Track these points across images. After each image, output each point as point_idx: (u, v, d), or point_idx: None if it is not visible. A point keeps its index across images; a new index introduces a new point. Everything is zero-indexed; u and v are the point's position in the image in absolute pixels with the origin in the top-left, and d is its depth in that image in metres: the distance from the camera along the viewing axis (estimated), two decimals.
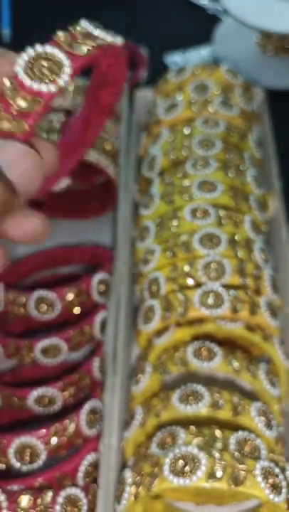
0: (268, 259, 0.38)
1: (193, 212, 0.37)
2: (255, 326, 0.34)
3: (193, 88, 0.44)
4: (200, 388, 0.31)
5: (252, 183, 0.40)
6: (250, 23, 0.57)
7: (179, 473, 0.27)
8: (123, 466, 0.32)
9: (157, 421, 0.31)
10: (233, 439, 0.29)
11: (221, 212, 0.37)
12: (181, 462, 0.28)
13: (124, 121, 0.46)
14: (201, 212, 0.37)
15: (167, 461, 0.28)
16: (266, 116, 0.47)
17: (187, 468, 0.27)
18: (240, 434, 0.29)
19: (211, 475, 0.27)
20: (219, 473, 0.27)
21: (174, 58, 0.64)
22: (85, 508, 0.31)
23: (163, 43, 0.67)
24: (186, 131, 0.42)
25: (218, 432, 0.29)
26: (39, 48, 0.21)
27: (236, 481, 0.27)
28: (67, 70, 0.20)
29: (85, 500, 0.31)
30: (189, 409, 0.30)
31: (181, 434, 0.30)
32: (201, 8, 0.72)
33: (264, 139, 0.46)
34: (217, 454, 0.28)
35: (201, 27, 0.69)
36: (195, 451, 0.28)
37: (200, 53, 0.65)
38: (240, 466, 0.27)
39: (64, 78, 0.20)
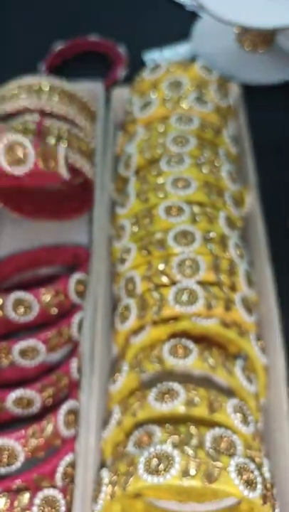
0: (243, 255, 0.38)
1: (168, 209, 0.37)
2: (231, 323, 0.34)
3: (167, 85, 0.44)
4: (176, 386, 0.31)
5: (227, 179, 0.40)
6: (227, 19, 0.56)
7: (154, 471, 0.27)
8: (102, 466, 0.32)
9: (134, 420, 0.31)
10: (209, 436, 0.29)
11: (196, 209, 0.37)
12: (155, 461, 0.27)
13: (101, 120, 0.45)
14: (175, 210, 0.37)
15: (142, 460, 0.28)
16: (242, 112, 0.47)
17: (161, 466, 0.27)
18: (217, 430, 0.29)
19: (185, 473, 0.27)
20: (193, 471, 0.27)
21: (152, 56, 0.64)
22: (62, 509, 0.31)
23: (142, 41, 0.67)
24: (161, 128, 0.41)
25: (193, 430, 0.29)
26: None
27: (210, 478, 0.27)
28: None
29: (62, 501, 0.31)
30: (165, 408, 0.30)
31: (157, 432, 0.29)
32: (180, 5, 0.71)
33: (240, 134, 0.46)
34: (191, 452, 0.28)
35: (181, 24, 0.69)
36: (169, 449, 0.28)
37: (178, 51, 0.65)
38: (215, 463, 0.27)
39: None
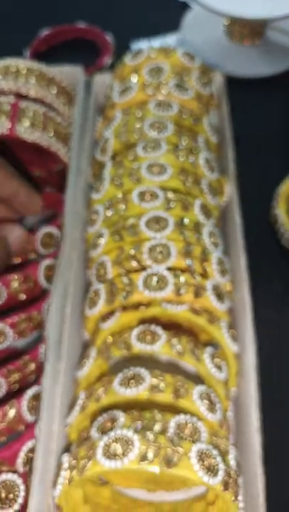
0: (218, 244, 0.37)
1: (142, 195, 0.36)
2: (202, 310, 0.34)
3: (147, 71, 0.43)
4: (142, 371, 0.30)
5: (204, 167, 0.39)
6: (216, 9, 0.56)
7: (112, 456, 0.26)
8: (67, 451, 0.32)
9: (98, 405, 0.30)
10: (174, 422, 0.28)
11: (170, 195, 0.36)
12: (114, 445, 0.27)
13: (79, 104, 0.45)
14: (149, 195, 0.36)
15: (101, 444, 0.27)
16: (224, 101, 0.46)
17: (120, 451, 0.26)
18: (182, 417, 0.29)
19: (143, 457, 0.26)
20: (151, 456, 0.26)
21: (140, 45, 0.63)
22: (22, 494, 0.30)
23: (132, 30, 0.66)
24: (139, 113, 0.41)
25: (158, 416, 0.29)
26: None
27: (169, 463, 0.26)
28: None
29: (22, 487, 0.30)
30: (129, 393, 0.30)
31: (121, 418, 0.29)
32: None
33: (221, 123, 0.45)
34: (152, 437, 0.27)
35: (171, 15, 0.68)
36: (129, 434, 0.27)
37: (166, 41, 0.64)
38: (175, 449, 0.26)
39: None
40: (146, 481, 0.36)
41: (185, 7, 0.68)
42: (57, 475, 0.29)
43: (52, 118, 0.42)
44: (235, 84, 0.52)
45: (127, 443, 0.27)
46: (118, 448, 0.26)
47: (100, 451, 0.27)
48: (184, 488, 0.35)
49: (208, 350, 0.33)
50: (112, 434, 0.27)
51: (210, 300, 0.33)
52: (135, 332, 0.32)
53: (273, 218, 0.47)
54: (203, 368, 0.32)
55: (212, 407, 0.30)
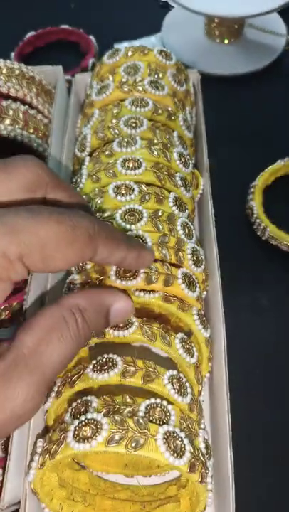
0: (192, 234, 0.38)
1: (117, 189, 0.37)
2: (173, 298, 0.34)
3: (124, 69, 0.43)
4: (115, 358, 0.31)
5: (178, 161, 0.40)
6: (193, 8, 0.56)
7: (82, 439, 0.27)
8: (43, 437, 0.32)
9: (71, 391, 0.31)
10: (143, 405, 0.29)
11: (145, 189, 0.37)
12: (84, 429, 0.27)
13: (58, 103, 0.45)
14: (124, 189, 0.37)
15: (72, 428, 0.28)
16: (200, 98, 0.47)
17: (89, 434, 0.27)
18: (152, 401, 0.29)
19: (111, 440, 0.27)
20: (117, 438, 0.27)
21: (123, 46, 0.64)
22: None
23: (114, 32, 0.67)
24: (115, 110, 0.41)
25: (129, 400, 0.29)
26: None
27: (136, 445, 0.27)
28: None
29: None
30: (101, 378, 0.30)
31: (94, 403, 0.29)
32: None
33: (197, 119, 0.45)
34: (119, 420, 0.27)
35: (153, 16, 0.69)
36: (99, 417, 0.27)
37: (148, 41, 0.65)
38: (142, 431, 0.27)
39: None
40: (124, 466, 0.36)
41: (166, 8, 0.69)
42: (31, 460, 0.30)
43: (32, 116, 0.42)
44: (214, 82, 0.53)
45: (96, 426, 0.27)
46: (88, 431, 0.27)
47: (70, 435, 0.27)
48: (161, 474, 0.36)
49: (179, 335, 0.33)
50: (82, 418, 0.28)
51: (180, 288, 0.34)
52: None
53: (249, 210, 0.48)
54: (174, 352, 0.32)
55: (182, 391, 0.31)
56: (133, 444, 0.26)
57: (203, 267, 0.37)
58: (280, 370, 0.40)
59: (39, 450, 0.29)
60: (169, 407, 0.29)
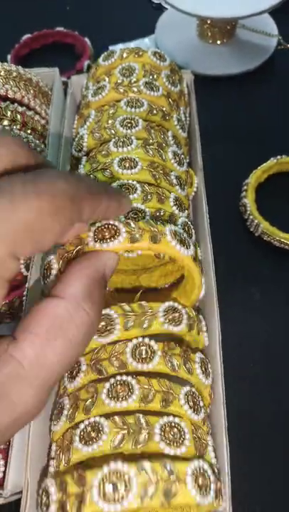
0: (192, 234, 0.38)
1: (120, 188, 0.37)
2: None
3: (119, 70, 0.43)
4: (130, 380, 0.30)
5: (173, 161, 0.40)
6: (186, 10, 0.56)
7: (108, 497, 0.25)
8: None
9: (86, 417, 0.30)
10: (158, 427, 0.28)
11: (148, 189, 0.37)
12: (108, 486, 0.26)
13: (55, 104, 0.45)
14: (127, 188, 0.37)
15: (95, 486, 0.26)
16: (193, 98, 0.47)
17: (115, 493, 0.25)
18: (166, 419, 0.29)
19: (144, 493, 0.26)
20: (151, 491, 0.26)
21: (117, 48, 0.64)
22: (1, 469, 0.31)
23: (109, 33, 0.67)
24: (111, 111, 0.41)
25: (143, 420, 0.28)
26: None
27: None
28: None
29: (1, 462, 0.31)
30: (119, 406, 0.29)
31: (106, 428, 0.28)
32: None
33: (190, 119, 0.46)
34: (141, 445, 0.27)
35: (147, 18, 0.69)
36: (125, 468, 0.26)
37: (142, 42, 0.65)
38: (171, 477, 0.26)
39: None
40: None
41: (159, 10, 0.69)
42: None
43: (30, 117, 0.42)
44: (207, 82, 0.53)
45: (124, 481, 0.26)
46: (110, 488, 0.25)
47: (95, 494, 0.26)
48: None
49: (198, 358, 0.33)
50: (105, 471, 0.26)
51: (170, 245, 0.31)
52: (129, 348, 0.31)
53: (243, 207, 0.48)
54: (195, 379, 0.32)
55: (196, 408, 0.31)
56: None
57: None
58: (273, 365, 0.41)
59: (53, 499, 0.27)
60: (182, 424, 0.29)
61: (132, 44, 0.64)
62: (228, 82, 0.60)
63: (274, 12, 0.59)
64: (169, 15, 0.66)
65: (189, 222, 0.38)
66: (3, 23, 0.70)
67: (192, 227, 0.39)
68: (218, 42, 0.62)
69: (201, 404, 0.31)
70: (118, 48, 0.64)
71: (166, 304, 0.32)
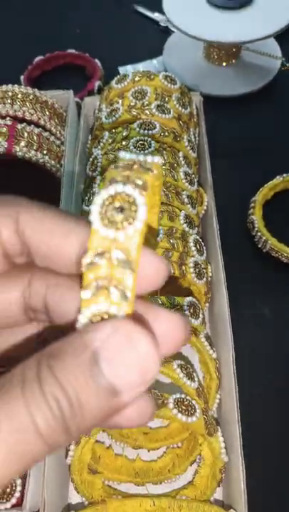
0: (202, 251, 0.38)
1: None
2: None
3: (132, 94, 0.44)
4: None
5: (184, 180, 0.40)
6: (192, 34, 0.57)
7: None
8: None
9: (89, 442, 0.31)
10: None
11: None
12: None
13: (69, 125, 0.46)
14: None
15: None
16: (202, 119, 0.47)
17: None
18: None
19: None
20: None
21: (126, 69, 0.64)
22: (18, 489, 0.31)
23: (119, 55, 0.67)
24: (125, 133, 0.42)
25: None
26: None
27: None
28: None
29: (19, 481, 0.31)
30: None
31: None
32: (154, 22, 0.72)
33: (200, 139, 0.46)
34: None
35: (155, 40, 0.69)
36: None
37: (150, 64, 0.65)
38: None
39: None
40: (135, 474, 0.36)
41: (166, 33, 0.70)
42: None
43: (46, 138, 0.43)
44: (214, 103, 0.54)
45: None
46: None
47: None
48: (171, 479, 0.36)
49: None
50: None
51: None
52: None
53: (250, 224, 0.48)
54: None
55: (190, 411, 0.31)
56: None
57: (205, 279, 0.38)
58: (282, 381, 0.41)
59: None
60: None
61: (141, 65, 0.65)
62: (234, 102, 0.60)
63: (277, 35, 0.60)
64: (176, 37, 0.67)
65: (200, 240, 0.39)
66: (16, 45, 0.71)
67: (203, 244, 0.39)
68: (224, 63, 0.63)
69: (197, 406, 0.31)
70: (127, 69, 0.65)
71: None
